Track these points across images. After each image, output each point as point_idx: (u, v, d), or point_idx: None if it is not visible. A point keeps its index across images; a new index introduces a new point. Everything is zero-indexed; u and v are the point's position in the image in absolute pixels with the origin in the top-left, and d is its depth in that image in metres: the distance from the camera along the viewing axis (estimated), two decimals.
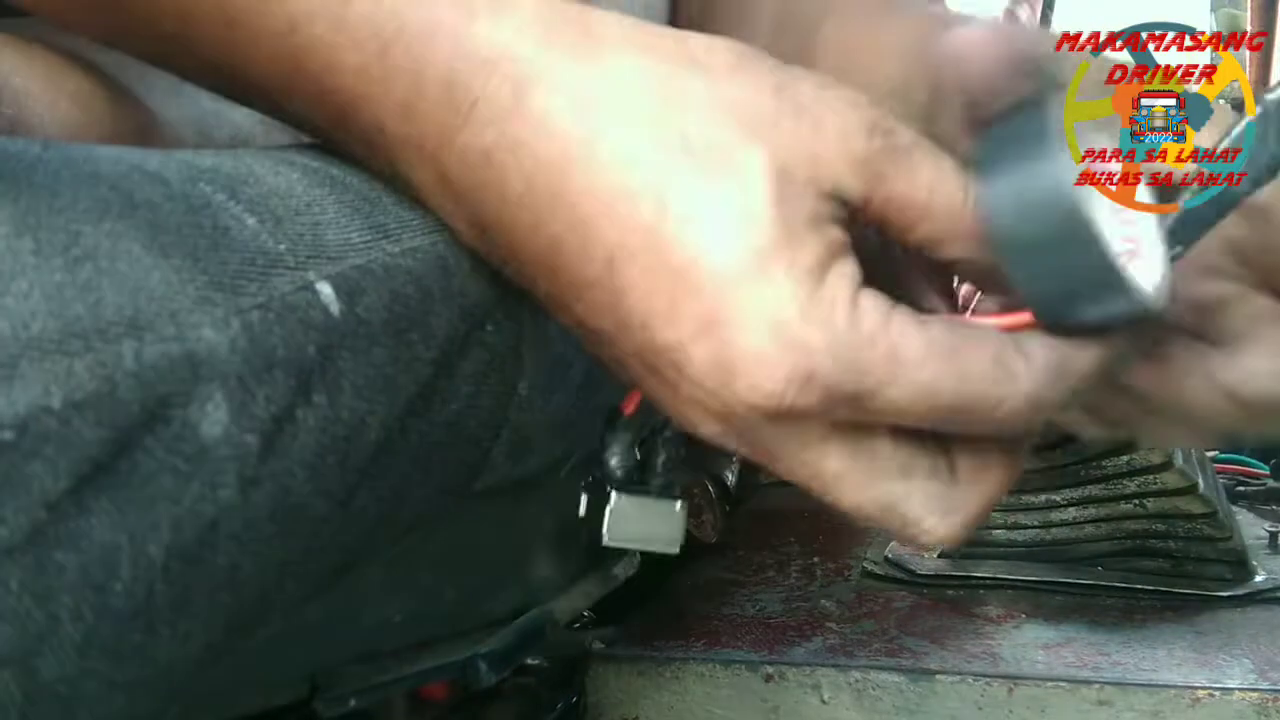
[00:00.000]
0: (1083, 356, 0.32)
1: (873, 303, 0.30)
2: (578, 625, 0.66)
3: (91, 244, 0.25)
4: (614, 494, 0.38)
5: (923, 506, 0.33)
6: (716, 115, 0.30)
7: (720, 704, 0.63)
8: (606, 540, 0.38)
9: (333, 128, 0.33)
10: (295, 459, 0.28)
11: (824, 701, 0.61)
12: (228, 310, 0.27)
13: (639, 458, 0.38)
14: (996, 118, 0.33)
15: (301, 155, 0.34)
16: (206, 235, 0.28)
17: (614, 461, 0.38)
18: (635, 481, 0.38)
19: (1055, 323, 0.31)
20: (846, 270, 0.30)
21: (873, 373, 0.30)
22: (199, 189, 0.29)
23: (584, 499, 0.39)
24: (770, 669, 0.62)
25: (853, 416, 0.31)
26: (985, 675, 0.59)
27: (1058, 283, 0.30)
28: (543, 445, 0.41)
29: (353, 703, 0.44)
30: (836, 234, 0.30)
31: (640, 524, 0.38)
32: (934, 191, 0.31)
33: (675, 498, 0.38)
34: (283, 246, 0.29)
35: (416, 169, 0.33)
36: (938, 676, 0.60)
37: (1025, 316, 0.31)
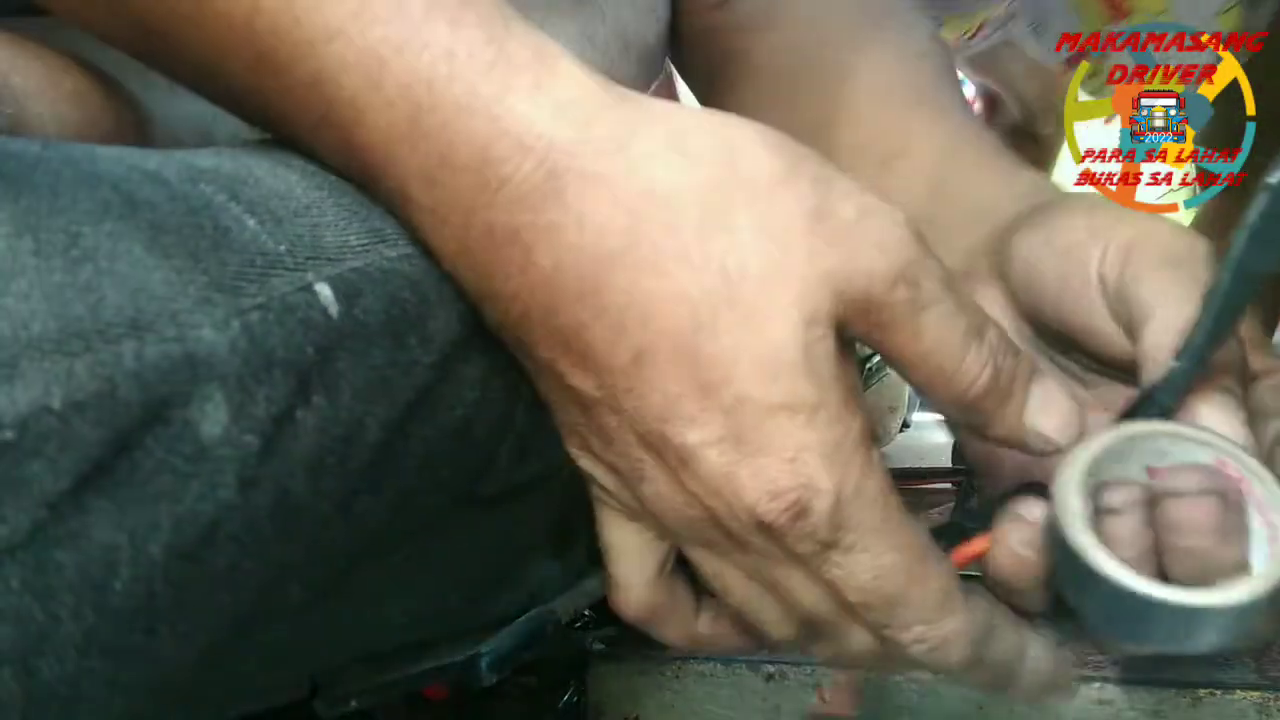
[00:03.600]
0: (1008, 640, 0.36)
1: (882, 464, 0.32)
2: (579, 625, 0.66)
3: (92, 244, 0.25)
4: None
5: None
6: (753, 242, 0.30)
7: (721, 703, 0.62)
8: None
9: (360, 179, 0.33)
10: (295, 460, 0.28)
11: (825, 701, 0.61)
12: (228, 311, 0.27)
13: None
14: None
15: (300, 157, 0.34)
16: (207, 236, 0.28)
17: None
18: None
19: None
20: (860, 417, 0.31)
21: (854, 532, 0.32)
22: (199, 189, 0.29)
23: None
24: (771, 668, 0.62)
25: (804, 553, 0.32)
26: None
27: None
28: (545, 448, 0.41)
29: (353, 703, 0.44)
30: (853, 377, 0.32)
31: None
32: (929, 356, 0.32)
33: None
34: (282, 247, 0.29)
35: (434, 234, 0.32)
36: (939, 675, 0.60)
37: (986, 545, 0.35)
